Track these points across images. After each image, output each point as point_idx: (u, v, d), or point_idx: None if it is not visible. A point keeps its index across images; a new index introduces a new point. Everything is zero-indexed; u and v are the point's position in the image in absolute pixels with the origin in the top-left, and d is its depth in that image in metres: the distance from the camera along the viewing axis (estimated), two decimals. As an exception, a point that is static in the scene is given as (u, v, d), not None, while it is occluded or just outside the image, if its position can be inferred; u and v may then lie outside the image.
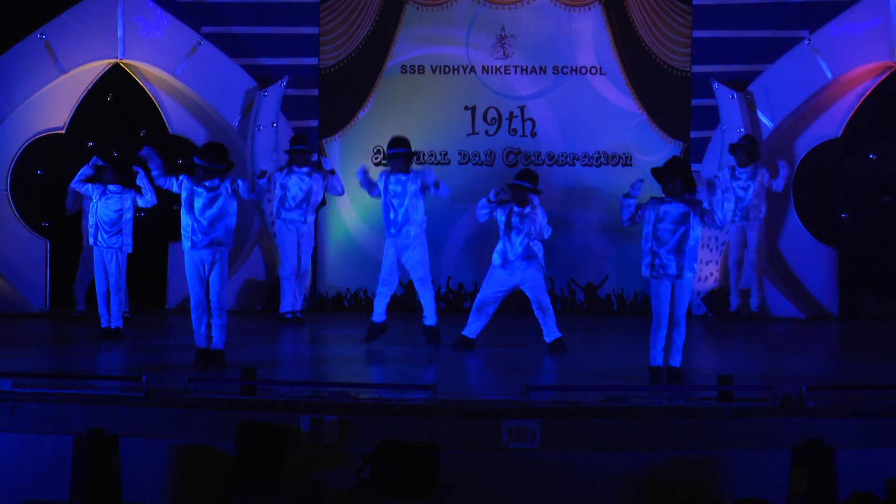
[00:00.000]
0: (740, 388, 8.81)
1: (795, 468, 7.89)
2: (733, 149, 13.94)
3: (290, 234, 13.66)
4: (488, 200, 11.44)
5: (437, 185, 11.59)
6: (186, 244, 10.45)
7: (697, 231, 9.83)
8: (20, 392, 8.84)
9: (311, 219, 13.76)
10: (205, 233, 10.40)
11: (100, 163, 12.23)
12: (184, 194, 10.48)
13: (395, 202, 11.67)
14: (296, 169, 13.63)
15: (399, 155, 11.71)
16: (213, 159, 10.42)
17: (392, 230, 11.72)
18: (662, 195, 9.91)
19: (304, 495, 7.96)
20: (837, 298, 14.38)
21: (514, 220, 11.37)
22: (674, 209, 9.83)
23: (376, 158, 15.05)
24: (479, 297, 11.67)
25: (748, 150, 13.91)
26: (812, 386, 8.65)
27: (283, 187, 13.59)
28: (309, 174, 13.64)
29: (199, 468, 8.55)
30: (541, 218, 11.38)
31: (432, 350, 11.48)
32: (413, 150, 11.84)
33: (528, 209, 11.35)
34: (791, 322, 13.98)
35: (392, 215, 11.69)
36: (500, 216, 11.42)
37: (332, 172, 13.56)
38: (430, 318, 11.81)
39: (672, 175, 9.86)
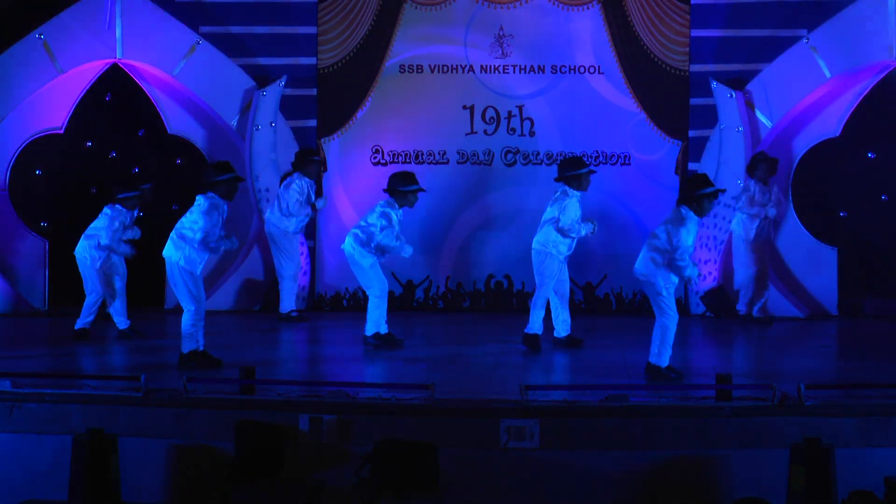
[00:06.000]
0: (739, 387, 8.80)
1: (794, 467, 7.89)
2: (753, 168, 13.74)
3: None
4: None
5: None
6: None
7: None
8: (19, 392, 8.84)
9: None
10: None
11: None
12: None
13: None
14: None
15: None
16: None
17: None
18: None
19: (303, 495, 7.95)
20: (836, 297, 14.40)
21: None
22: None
23: (375, 158, 15.06)
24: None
25: (770, 168, 13.77)
26: (811, 385, 8.64)
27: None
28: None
29: (198, 468, 8.54)
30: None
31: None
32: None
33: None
34: (790, 321, 13.97)
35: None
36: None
37: None
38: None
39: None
